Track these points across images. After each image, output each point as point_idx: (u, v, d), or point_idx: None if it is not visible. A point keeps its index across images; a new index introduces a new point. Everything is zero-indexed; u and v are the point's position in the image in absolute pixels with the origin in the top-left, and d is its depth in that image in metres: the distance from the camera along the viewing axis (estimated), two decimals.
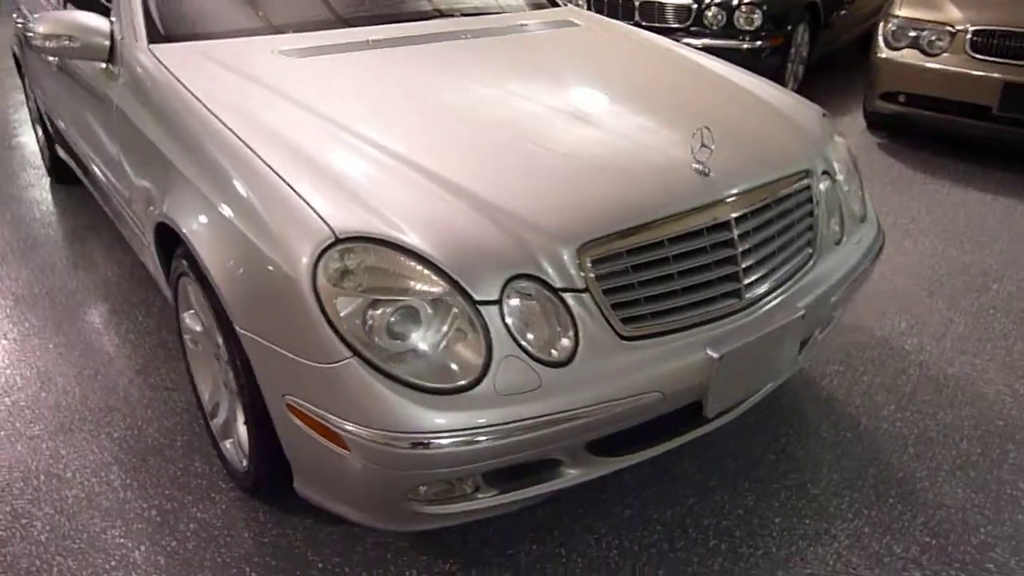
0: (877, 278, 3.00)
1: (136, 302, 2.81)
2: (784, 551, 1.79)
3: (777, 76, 4.82)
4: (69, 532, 1.83)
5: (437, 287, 1.39)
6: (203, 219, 1.62)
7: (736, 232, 1.65)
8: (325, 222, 1.41)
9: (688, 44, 4.63)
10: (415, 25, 2.36)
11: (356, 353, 1.35)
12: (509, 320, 1.41)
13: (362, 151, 1.63)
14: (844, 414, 2.24)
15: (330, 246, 1.39)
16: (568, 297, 1.47)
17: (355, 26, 2.30)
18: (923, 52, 3.95)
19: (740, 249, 1.65)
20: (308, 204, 1.45)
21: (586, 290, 1.48)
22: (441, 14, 2.49)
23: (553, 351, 1.44)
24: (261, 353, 1.49)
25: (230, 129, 1.69)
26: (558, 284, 1.46)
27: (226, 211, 1.56)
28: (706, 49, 4.60)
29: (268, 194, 1.51)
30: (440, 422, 1.35)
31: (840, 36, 5.78)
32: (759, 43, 4.70)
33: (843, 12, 5.56)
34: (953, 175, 4.05)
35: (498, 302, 1.41)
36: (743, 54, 4.69)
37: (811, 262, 1.84)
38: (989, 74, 3.73)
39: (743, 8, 4.67)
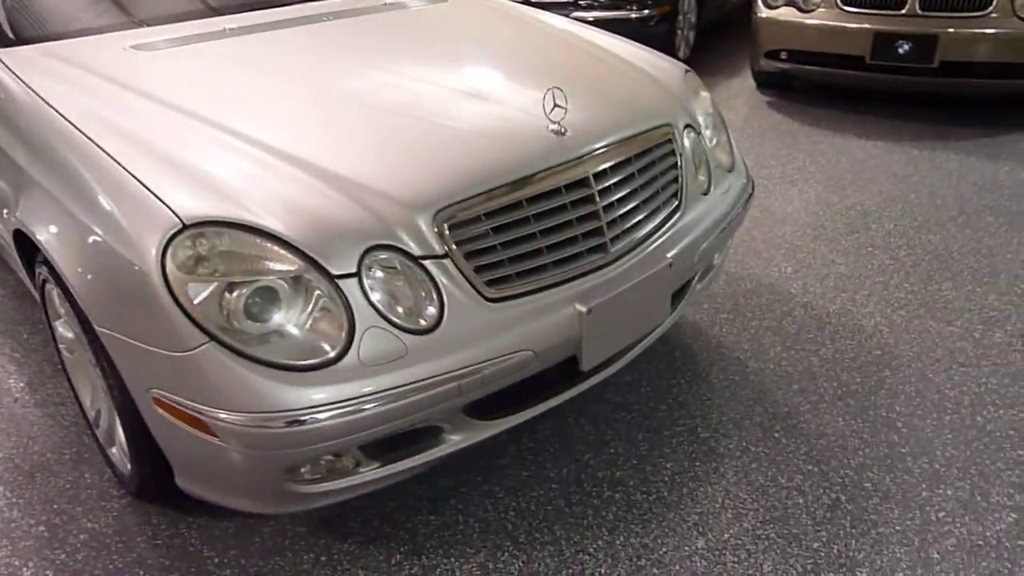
0: (765, 227, 3.11)
1: (20, 320, 2.71)
2: (675, 494, 1.85)
3: (667, 43, 4.93)
4: None
5: (293, 265, 1.38)
6: (54, 222, 1.57)
7: (596, 188, 1.69)
8: (171, 210, 1.39)
9: (578, 18, 4.69)
10: (277, 11, 2.33)
11: (212, 338, 1.34)
12: (371, 292, 1.42)
13: (215, 139, 1.60)
14: (733, 359, 2.32)
15: (177, 233, 1.37)
16: (429, 264, 1.48)
17: (217, 15, 2.25)
18: (799, 9, 4.09)
19: (602, 204, 1.69)
20: (154, 194, 1.43)
21: (446, 256, 1.49)
22: None
23: (420, 320, 1.46)
24: (121, 349, 1.46)
25: (77, 128, 1.64)
26: (417, 252, 1.47)
27: (76, 211, 1.52)
28: (596, 22, 4.68)
29: (115, 189, 1.48)
30: (309, 398, 1.35)
31: (727, 1, 5.92)
32: (647, 12, 4.78)
33: None
34: (835, 125, 4.22)
35: (356, 275, 1.41)
36: (632, 24, 4.76)
37: (678, 213, 1.90)
38: (861, 25, 3.89)
39: None
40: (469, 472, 1.93)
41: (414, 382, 1.41)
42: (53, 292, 1.78)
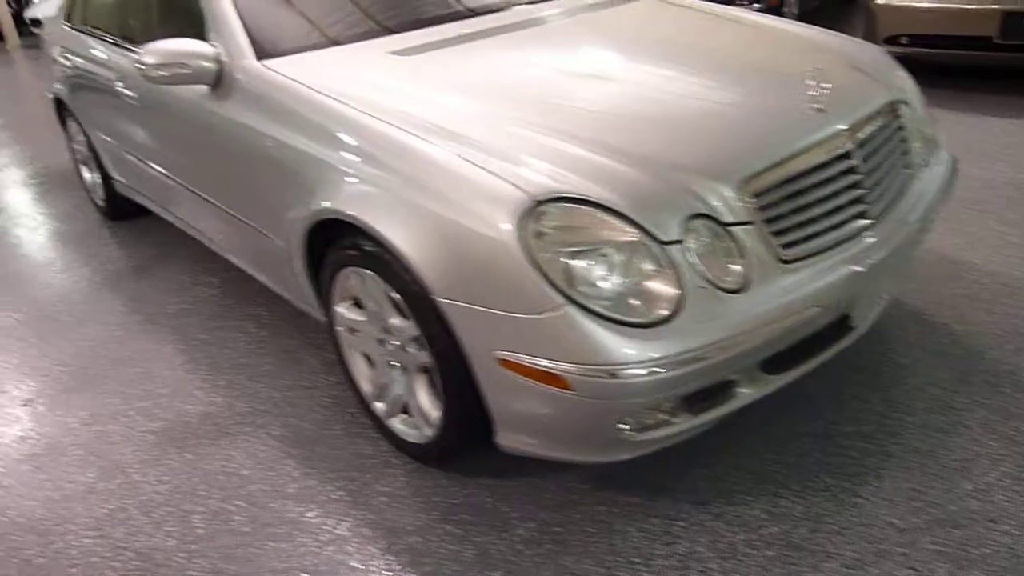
0: None
1: (242, 316, 2.92)
2: (928, 444, 1.97)
3: None
4: (269, 520, 1.95)
5: (629, 235, 1.54)
6: (385, 206, 1.74)
7: (857, 158, 1.83)
8: (521, 189, 1.56)
9: None
10: (498, 16, 2.50)
11: (570, 300, 1.50)
12: (692, 256, 1.57)
13: (513, 129, 1.77)
14: (938, 324, 2.43)
15: (531, 209, 1.54)
16: (737, 231, 1.63)
17: (440, 24, 2.44)
18: None
19: (863, 173, 1.83)
20: (496, 176, 1.60)
21: (751, 222, 1.64)
22: (515, 2, 2.63)
23: (730, 281, 1.61)
24: (465, 316, 1.63)
25: (385, 122, 1.83)
26: (728, 219, 1.62)
27: (411, 195, 1.70)
28: None
29: (451, 173, 1.65)
30: (651, 352, 1.50)
31: None
32: (756, 5, 4.92)
33: None
34: (967, 104, 4.29)
35: (680, 241, 1.57)
36: None
37: (911, 181, 2.03)
38: (988, 6, 3.96)
39: None
40: (725, 432, 2.07)
41: (731, 336, 1.56)
42: (351, 276, 1.96)
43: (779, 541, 1.74)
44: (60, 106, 3.93)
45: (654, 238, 1.55)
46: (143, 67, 2.23)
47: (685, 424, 1.67)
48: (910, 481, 1.87)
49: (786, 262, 1.68)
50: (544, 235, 1.53)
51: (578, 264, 1.53)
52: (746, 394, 1.73)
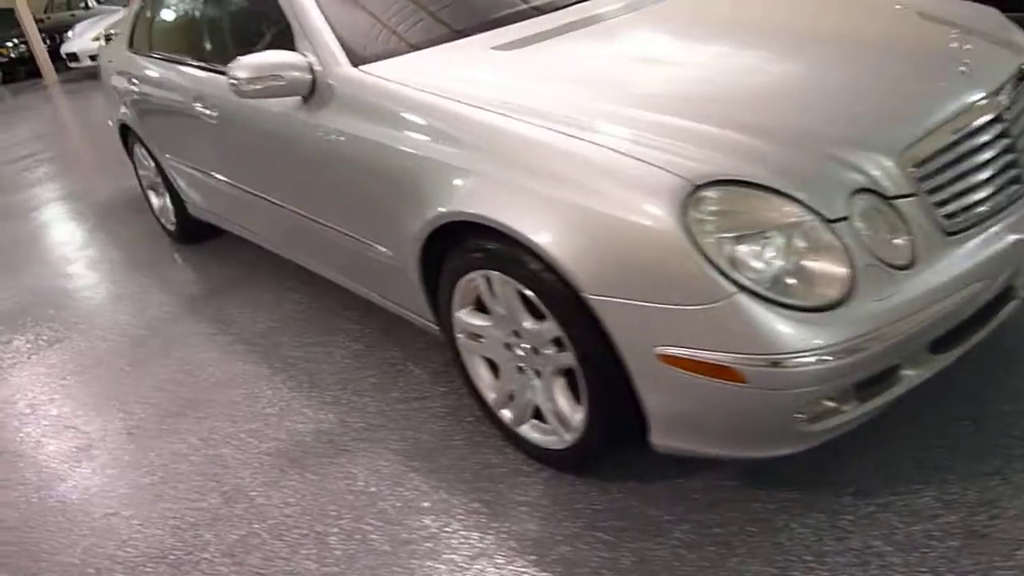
0: None
1: (333, 330, 2.88)
2: None
3: None
4: (408, 537, 1.89)
5: (793, 215, 1.46)
6: (519, 203, 1.67)
7: (1008, 122, 1.73)
8: (677, 174, 1.48)
9: None
10: (573, 9, 2.42)
11: (740, 287, 1.42)
12: (860, 233, 1.49)
13: (640, 114, 1.69)
14: None
15: (689, 194, 1.46)
16: (900, 203, 1.54)
17: (530, 17, 2.37)
18: None
19: (1014, 136, 1.73)
20: (645, 162, 1.52)
21: (914, 193, 1.55)
22: None
23: (899, 257, 1.52)
24: (620, 312, 1.55)
25: (508, 116, 1.76)
26: (891, 192, 1.53)
27: (548, 189, 1.63)
28: None
29: (593, 164, 1.58)
30: (830, 336, 1.42)
31: None
32: None
33: None
34: None
35: (847, 218, 1.48)
36: None
37: None
38: None
39: None
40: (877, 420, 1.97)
41: (908, 315, 1.47)
42: (477, 280, 1.89)
43: (958, 530, 1.64)
44: (125, 133, 3.93)
45: (820, 216, 1.47)
46: (236, 82, 2.19)
47: (854, 412, 1.58)
48: None
49: (950, 234, 1.58)
50: (705, 221, 1.46)
51: (744, 249, 1.45)
52: (912, 376, 1.63)
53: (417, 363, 2.58)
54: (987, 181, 1.67)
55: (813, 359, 1.41)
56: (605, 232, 1.54)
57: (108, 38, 10.36)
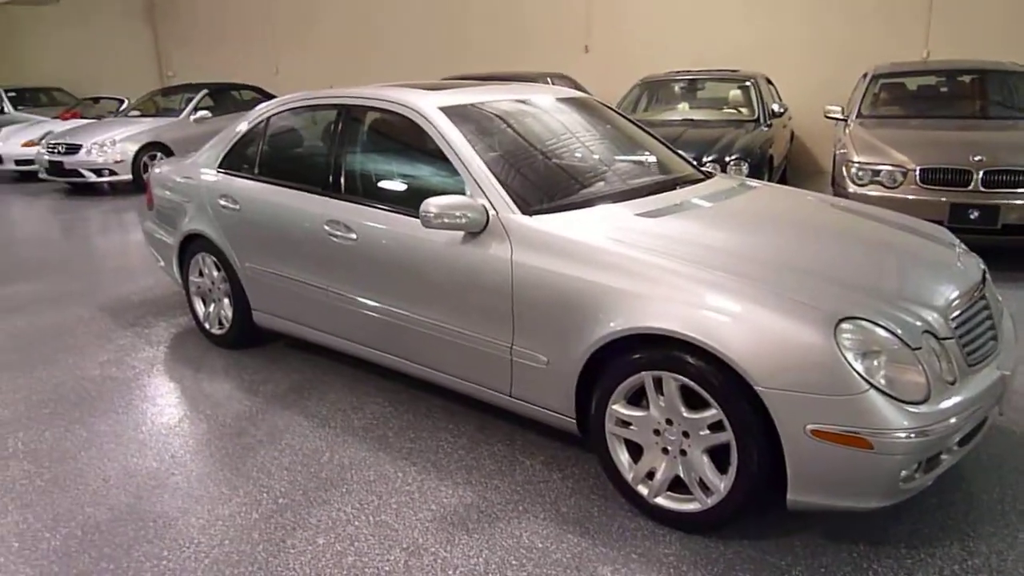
0: None
1: (432, 428, 3.35)
2: None
3: None
4: None
5: (894, 343, 2.28)
6: (701, 321, 2.40)
7: (986, 298, 2.70)
8: (823, 310, 2.29)
9: None
10: (681, 192, 3.34)
11: (872, 385, 2.20)
12: (928, 357, 2.32)
13: (765, 267, 2.51)
14: None
15: (838, 322, 2.26)
16: (947, 343, 2.40)
17: (636, 198, 3.21)
18: (884, 186, 5.44)
19: (990, 307, 2.70)
20: (799, 301, 2.32)
21: (952, 337, 2.43)
22: (680, 183, 3.48)
23: (947, 376, 2.36)
24: (783, 400, 2.27)
25: (678, 259, 2.53)
26: (942, 335, 2.40)
27: (729, 310, 2.37)
28: None
29: (760, 300, 2.36)
30: (921, 422, 2.21)
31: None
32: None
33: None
34: None
35: (921, 348, 2.32)
36: None
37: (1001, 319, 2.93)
38: (938, 199, 5.25)
39: (732, 163, 6.10)
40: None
41: (955, 415, 2.30)
42: (647, 380, 2.55)
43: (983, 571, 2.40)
44: (189, 244, 4.35)
45: (908, 345, 2.30)
46: (428, 215, 2.85)
47: (923, 479, 2.35)
48: None
49: (971, 366, 2.46)
50: (844, 341, 2.25)
51: (868, 362, 2.24)
52: (946, 460, 2.44)
53: (525, 456, 3.12)
54: (983, 334, 2.59)
55: (915, 434, 2.19)
56: (777, 344, 2.29)
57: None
